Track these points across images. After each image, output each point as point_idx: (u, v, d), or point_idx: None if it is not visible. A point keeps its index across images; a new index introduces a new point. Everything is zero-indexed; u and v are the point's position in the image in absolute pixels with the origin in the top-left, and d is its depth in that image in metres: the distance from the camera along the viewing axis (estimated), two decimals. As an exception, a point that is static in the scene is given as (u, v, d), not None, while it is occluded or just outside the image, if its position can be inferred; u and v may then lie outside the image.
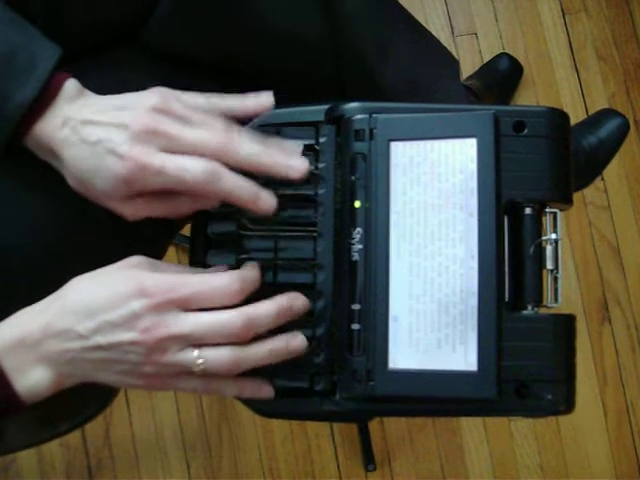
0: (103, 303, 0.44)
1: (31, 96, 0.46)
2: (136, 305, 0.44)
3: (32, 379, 0.45)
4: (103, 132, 0.46)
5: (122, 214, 0.49)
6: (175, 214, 0.51)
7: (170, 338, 0.44)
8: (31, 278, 0.51)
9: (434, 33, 0.70)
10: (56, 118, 0.47)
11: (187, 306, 0.45)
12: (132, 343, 0.44)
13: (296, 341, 0.48)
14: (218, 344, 0.45)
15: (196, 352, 0.45)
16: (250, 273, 0.48)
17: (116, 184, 0.46)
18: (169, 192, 0.48)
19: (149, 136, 0.46)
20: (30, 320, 0.45)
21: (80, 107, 0.48)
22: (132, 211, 0.49)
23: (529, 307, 0.49)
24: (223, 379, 0.47)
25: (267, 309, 0.46)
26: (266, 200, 0.49)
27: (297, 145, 0.50)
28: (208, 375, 0.46)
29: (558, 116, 0.50)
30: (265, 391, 0.49)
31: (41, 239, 0.51)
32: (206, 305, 0.45)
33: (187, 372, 0.46)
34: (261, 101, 0.51)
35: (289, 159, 0.49)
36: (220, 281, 0.45)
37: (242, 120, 0.51)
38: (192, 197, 0.49)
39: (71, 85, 0.48)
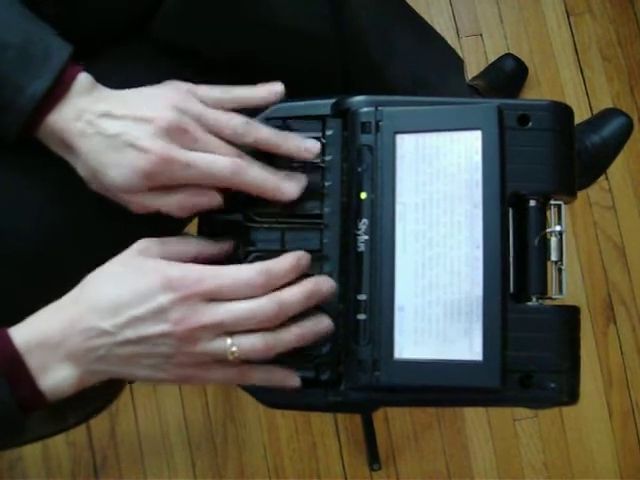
0: (129, 298, 0.44)
1: (45, 87, 0.46)
2: (163, 299, 0.44)
3: (57, 377, 0.44)
4: (122, 125, 0.47)
5: (129, 207, 0.49)
6: (181, 210, 0.51)
7: (202, 328, 0.44)
8: (40, 265, 0.52)
9: (439, 33, 0.70)
10: (69, 110, 0.47)
11: (212, 298, 0.45)
12: (163, 335, 0.44)
13: (323, 324, 0.49)
14: (249, 330, 0.45)
15: (229, 340, 0.45)
16: (277, 265, 0.47)
17: (134, 177, 0.47)
18: (176, 186, 0.49)
19: (172, 133, 0.47)
20: (53, 318, 0.45)
21: (95, 100, 0.48)
22: (140, 205, 0.49)
23: (534, 298, 0.49)
24: (254, 368, 0.47)
25: (296, 293, 0.47)
26: (286, 190, 0.50)
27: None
28: (238, 364, 0.46)
29: (562, 109, 0.51)
30: (293, 380, 0.49)
31: (47, 228, 0.52)
32: (231, 297, 0.45)
33: (218, 361, 0.46)
34: (274, 89, 0.52)
35: (303, 141, 0.50)
36: (245, 274, 0.45)
37: (251, 112, 0.51)
38: (195, 190, 0.49)
39: (84, 78, 0.48)
